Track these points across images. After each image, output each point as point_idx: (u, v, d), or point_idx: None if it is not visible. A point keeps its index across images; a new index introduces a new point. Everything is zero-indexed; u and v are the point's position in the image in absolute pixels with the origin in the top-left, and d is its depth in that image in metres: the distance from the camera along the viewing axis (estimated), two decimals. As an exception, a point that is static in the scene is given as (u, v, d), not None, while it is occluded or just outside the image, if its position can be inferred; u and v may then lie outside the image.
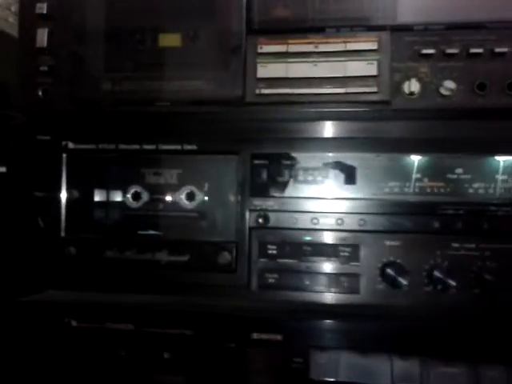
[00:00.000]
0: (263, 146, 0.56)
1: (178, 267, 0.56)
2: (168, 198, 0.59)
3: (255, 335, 0.55)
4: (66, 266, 0.59)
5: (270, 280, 0.56)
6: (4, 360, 0.59)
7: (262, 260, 0.56)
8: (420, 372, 0.53)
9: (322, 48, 0.54)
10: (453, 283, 0.51)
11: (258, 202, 0.56)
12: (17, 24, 0.62)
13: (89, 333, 0.58)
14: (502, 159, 0.53)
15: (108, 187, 0.60)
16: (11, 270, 0.60)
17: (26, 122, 0.61)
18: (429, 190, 0.54)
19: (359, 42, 0.53)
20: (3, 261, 0.64)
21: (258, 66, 0.55)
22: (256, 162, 0.56)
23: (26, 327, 0.59)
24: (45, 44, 0.60)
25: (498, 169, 0.53)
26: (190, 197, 0.59)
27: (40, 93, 0.60)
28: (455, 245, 0.53)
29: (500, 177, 0.53)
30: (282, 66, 0.54)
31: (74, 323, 0.59)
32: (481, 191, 0.53)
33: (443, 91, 0.52)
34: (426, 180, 0.55)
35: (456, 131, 0.54)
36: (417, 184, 0.54)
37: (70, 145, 0.59)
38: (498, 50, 0.51)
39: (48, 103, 0.60)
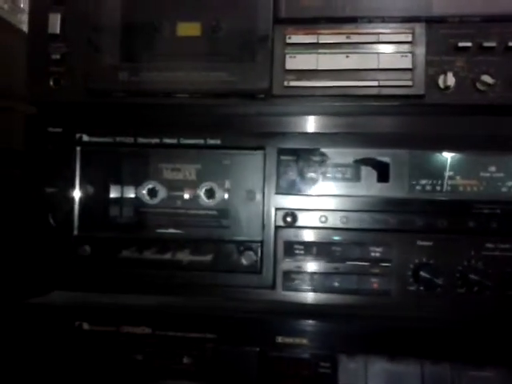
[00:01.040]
0: (291, 140, 0.53)
1: (201, 267, 0.54)
2: (187, 195, 0.57)
3: (280, 339, 0.53)
4: (80, 266, 0.55)
5: (296, 281, 0.53)
6: (12, 365, 0.56)
7: (287, 260, 0.53)
8: (451, 376, 0.51)
9: (355, 39, 0.52)
10: (487, 285, 0.49)
11: (284, 200, 0.53)
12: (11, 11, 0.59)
13: (102, 337, 0.55)
14: (538, 157, 0.52)
15: (124, 183, 0.57)
16: (20, 270, 0.57)
17: (37, 114, 0.58)
18: (461, 189, 0.52)
19: (393, 33, 0.51)
20: (12, 261, 0.60)
21: (287, 57, 0.53)
22: (283, 157, 0.53)
23: (34, 330, 0.56)
24: (57, 30, 0.56)
25: (535, 167, 0.52)
26: (211, 194, 0.56)
27: (51, 82, 0.57)
28: (489, 245, 0.51)
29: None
30: (313, 58, 0.52)
31: (85, 326, 0.56)
32: (515, 190, 0.52)
33: (480, 86, 0.51)
34: (458, 178, 0.53)
35: (491, 128, 0.52)
36: (449, 182, 0.53)
37: (85, 137, 0.56)
38: (537, 43, 0.50)
39: (60, 93, 0.57)
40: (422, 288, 0.51)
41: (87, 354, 0.55)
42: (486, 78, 0.50)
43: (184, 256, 0.54)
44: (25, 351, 0.56)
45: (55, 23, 0.56)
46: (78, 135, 0.56)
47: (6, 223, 0.68)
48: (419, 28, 0.51)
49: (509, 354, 0.49)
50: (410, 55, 0.51)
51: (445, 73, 0.51)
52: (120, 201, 0.57)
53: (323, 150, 0.53)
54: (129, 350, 0.55)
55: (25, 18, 1.11)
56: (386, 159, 0.52)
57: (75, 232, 0.56)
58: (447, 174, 0.53)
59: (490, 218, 0.51)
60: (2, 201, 0.69)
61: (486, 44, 0.50)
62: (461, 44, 0.51)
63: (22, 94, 0.77)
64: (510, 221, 0.51)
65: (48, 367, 0.56)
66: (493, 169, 0.52)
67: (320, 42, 0.52)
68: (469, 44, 0.51)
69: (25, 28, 0.95)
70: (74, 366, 0.55)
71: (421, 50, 0.51)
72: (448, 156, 0.53)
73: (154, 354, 0.55)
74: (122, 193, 0.57)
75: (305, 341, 0.53)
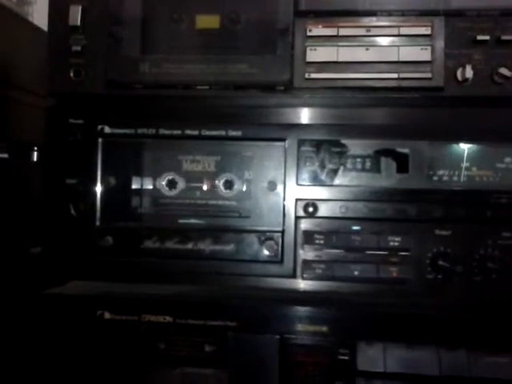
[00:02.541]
0: (311, 132, 0.54)
1: (222, 257, 0.55)
2: (206, 186, 0.57)
3: (300, 326, 0.54)
4: (102, 256, 0.56)
5: (317, 271, 0.54)
6: (34, 354, 0.57)
7: (308, 250, 0.54)
8: (468, 362, 0.52)
9: (374, 32, 0.52)
10: (504, 272, 0.51)
11: (305, 191, 0.54)
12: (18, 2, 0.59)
13: (124, 326, 0.56)
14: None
15: (144, 174, 0.57)
16: (43, 261, 0.57)
17: (57, 105, 0.58)
18: (478, 179, 0.54)
19: (412, 26, 0.52)
20: (33, 252, 0.61)
21: (308, 49, 0.53)
22: (303, 148, 0.54)
23: (57, 320, 0.57)
24: (78, 22, 0.57)
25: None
26: (230, 185, 0.57)
27: (72, 74, 0.57)
28: (506, 234, 0.52)
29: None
30: (333, 50, 0.53)
31: (107, 316, 0.57)
32: (532, 181, 0.53)
33: (497, 79, 0.52)
34: (475, 169, 0.54)
35: (508, 120, 0.53)
36: (466, 173, 0.54)
37: (107, 129, 0.56)
38: (554, 37, 0.51)
39: (80, 85, 0.57)
40: (439, 276, 0.53)
41: (109, 344, 0.56)
42: (504, 71, 0.51)
43: (206, 246, 0.55)
44: (47, 341, 0.57)
45: (76, 15, 0.57)
46: (99, 127, 0.56)
47: (25, 214, 0.69)
48: (438, 21, 0.52)
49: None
50: (429, 48, 0.52)
51: (463, 66, 0.52)
52: (141, 192, 0.57)
53: (343, 141, 0.54)
54: (151, 338, 0.56)
55: (31, 9, 1.11)
56: (405, 150, 0.53)
57: (97, 223, 0.56)
58: (464, 164, 0.54)
59: (506, 208, 0.52)
60: (22, 192, 0.70)
61: (504, 37, 0.51)
62: (479, 37, 0.52)
63: (28, 85, 0.78)
64: (524, 210, 0.52)
65: (70, 357, 0.56)
66: (509, 160, 0.54)
67: (340, 34, 0.53)
68: (487, 37, 0.52)
69: (31, 19, 0.95)
70: (96, 356, 0.56)
71: (440, 43, 0.52)
72: (465, 147, 0.54)
73: (176, 342, 0.56)
74: (142, 184, 0.57)
75: (324, 328, 0.54)
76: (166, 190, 0.57)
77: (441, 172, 0.54)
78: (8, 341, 0.62)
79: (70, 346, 0.56)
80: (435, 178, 0.54)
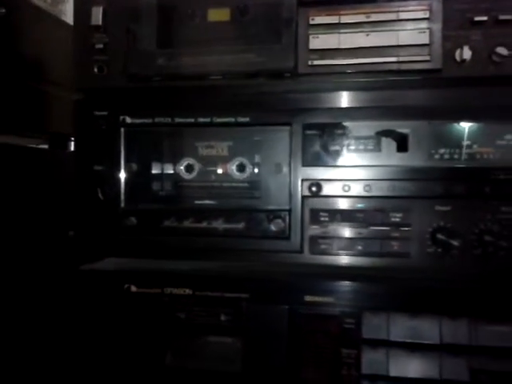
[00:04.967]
0: (315, 116, 0.57)
1: (234, 234, 0.59)
2: (220, 170, 0.62)
3: (308, 298, 0.58)
4: (127, 236, 0.62)
5: (323, 246, 0.58)
6: (71, 324, 0.64)
7: (314, 227, 0.58)
8: (468, 331, 0.55)
9: (374, 18, 0.55)
10: (502, 245, 0.53)
11: (310, 172, 0.58)
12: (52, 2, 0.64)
13: (148, 298, 0.62)
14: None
15: (163, 160, 0.63)
16: (75, 241, 0.64)
17: (84, 99, 0.64)
18: (478, 156, 0.55)
19: (411, 10, 0.54)
20: (67, 232, 0.68)
21: (311, 37, 0.56)
22: (308, 132, 0.58)
23: (88, 293, 0.63)
24: (100, 22, 0.62)
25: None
26: (242, 168, 0.61)
27: (96, 69, 0.63)
28: (504, 209, 0.54)
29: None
30: (335, 37, 0.56)
31: (133, 289, 0.63)
32: (532, 157, 0.54)
33: (495, 58, 0.53)
34: (475, 146, 0.56)
35: (507, 98, 0.54)
36: (466, 151, 0.56)
37: (128, 119, 0.62)
38: (552, 15, 0.52)
39: (104, 79, 0.62)
40: (439, 250, 0.55)
41: (136, 314, 0.62)
42: (501, 50, 0.52)
43: (219, 224, 0.59)
44: (81, 312, 0.63)
45: (98, 15, 0.62)
46: (121, 117, 0.62)
47: (65, 200, 0.76)
48: (436, 4, 0.54)
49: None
50: (427, 31, 0.54)
51: (461, 47, 0.53)
52: (160, 176, 0.62)
53: (345, 123, 0.57)
54: (172, 309, 0.61)
55: (65, 8, 1.18)
56: (405, 130, 0.55)
57: (122, 205, 0.62)
58: (465, 142, 0.56)
59: (505, 184, 0.54)
60: (61, 180, 0.77)
61: (502, 17, 0.53)
62: (477, 18, 0.53)
63: (63, 80, 0.84)
64: (524, 186, 0.54)
65: (101, 326, 0.63)
66: (509, 137, 0.55)
67: (341, 22, 0.56)
68: (484, 18, 0.53)
69: (64, 18, 1.02)
70: (124, 326, 0.62)
71: (438, 26, 0.54)
72: (465, 126, 0.56)
73: (195, 313, 0.61)
74: (161, 169, 0.63)
75: (331, 299, 0.58)
76: (183, 174, 0.62)
77: (442, 150, 0.56)
78: (49, 309, 0.70)
79: (101, 316, 0.63)
80: (436, 157, 0.56)
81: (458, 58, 0.54)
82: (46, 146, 0.89)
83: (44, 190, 0.78)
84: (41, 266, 0.75)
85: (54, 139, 0.89)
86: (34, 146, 0.88)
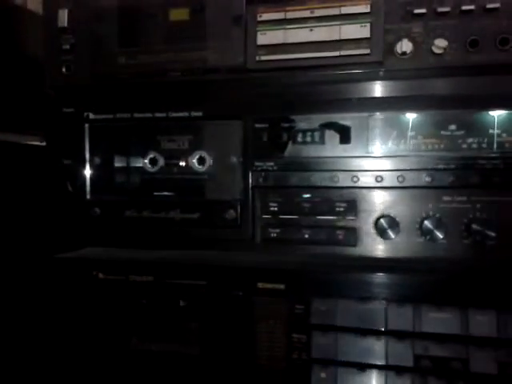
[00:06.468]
0: (265, 110, 0.60)
1: (190, 224, 0.62)
2: (181, 163, 0.65)
3: (260, 285, 0.61)
4: (92, 225, 0.66)
5: (273, 234, 0.60)
6: (44, 307, 0.68)
7: (264, 216, 0.61)
8: (413, 317, 0.56)
9: (318, 13, 0.56)
10: (441, 235, 0.54)
11: (259, 163, 0.60)
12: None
13: (114, 284, 0.66)
14: (494, 114, 0.54)
15: (127, 154, 0.66)
16: (45, 230, 0.68)
17: (54, 96, 0.68)
18: (423, 147, 0.57)
19: (353, 5, 0.56)
20: (38, 222, 0.72)
21: (258, 33, 0.58)
22: (257, 125, 0.60)
23: (59, 280, 0.67)
24: (66, 24, 0.66)
25: (492, 123, 0.55)
26: (201, 160, 0.64)
27: (64, 69, 0.66)
28: (446, 198, 0.55)
29: (494, 131, 0.55)
30: (281, 33, 0.58)
31: (101, 276, 0.66)
32: (474, 146, 0.55)
33: (435, 50, 0.54)
34: (420, 137, 0.57)
35: (449, 88, 0.55)
36: (412, 141, 0.57)
37: (91, 115, 0.65)
38: (489, 5, 0.52)
39: (71, 78, 0.66)
40: (380, 238, 0.57)
41: (103, 300, 0.66)
42: (440, 42, 0.53)
43: (175, 214, 0.62)
44: (52, 297, 0.68)
45: (63, 18, 0.66)
46: (85, 114, 0.65)
47: (30, 193, 0.80)
48: (377, -1, 0.55)
49: (464, 296, 0.54)
50: (368, 25, 0.55)
51: (401, 39, 0.54)
52: (123, 169, 0.66)
53: (292, 117, 0.59)
54: (136, 295, 0.65)
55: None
56: (347, 123, 0.57)
57: (88, 196, 0.66)
58: (409, 133, 0.57)
59: (447, 173, 0.55)
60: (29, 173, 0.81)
61: (441, 9, 0.53)
62: (416, 11, 0.54)
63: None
64: (466, 175, 0.55)
65: (71, 312, 0.67)
66: (453, 127, 0.56)
67: (287, 18, 0.57)
68: (424, 10, 0.54)
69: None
70: (93, 311, 0.66)
71: (379, 20, 0.55)
72: (410, 117, 0.57)
73: (156, 299, 0.64)
74: (124, 162, 0.66)
75: (282, 286, 0.60)
76: (147, 167, 0.65)
77: (385, 141, 0.57)
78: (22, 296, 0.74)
79: (72, 301, 0.67)
80: (370, 149, 0.57)
81: (398, 50, 0.55)
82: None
83: (19, 183, 0.82)
84: (15, 254, 0.79)
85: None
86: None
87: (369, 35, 0.55)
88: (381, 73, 0.56)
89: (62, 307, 0.67)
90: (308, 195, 0.59)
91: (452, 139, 0.56)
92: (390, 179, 0.56)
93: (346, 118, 0.57)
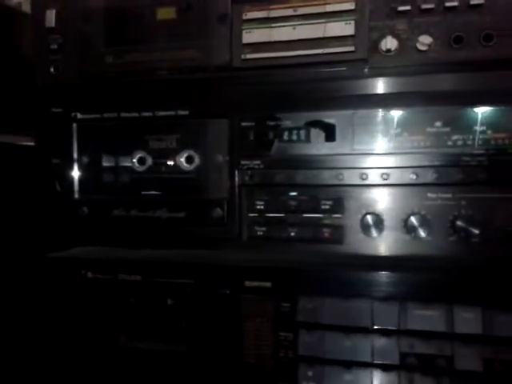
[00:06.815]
0: (250, 108, 0.60)
1: (177, 223, 0.62)
2: (169, 162, 0.65)
3: (247, 283, 0.61)
4: (80, 225, 0.66)
5: (259, 232, 0.60)
6: (34, 305, 0.68)
7: (251, 214, 0.61)
8: (398, 314, 0.56)
9: (302, 11, 0.56)
10: (426, 232, 0.54)
11: (245, 162, 0.60)
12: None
13: (103, 283, 0.66)
14: (479, 111, 0.54)
15: (115, 153, 0.66)
16: (35, 230, 0.68)
17: (43, 97, 0.68)
18: (408, 144, 0.56)
19: (337, 3, 0.56)
20: (27, 222, 0.72)
21: (244, 32, 0.59)
22: (243, 124, 0.60)
23: (49, 278, 0.67)
24: (53, 24, 0.66)
25: (477, 120, 0.55)
26: (189, 159, 0.64)
27: (52, 69, 0.67)
28: (431, 195, 0.55)
29: (479, 128, 0.55)
30: (266, 31, 0.58)
31: (89, 275, 0.67)
32: (459, 143, 0.55)
33: (420, 46, 0.54)
34: (405, 134, 0.57)
35: (433, 85, 0.55)
36: (396, 138, 0.57)
37: (79, 115, 0.65)
38: (473, 2, 0.52)
39: (59, 78, 0.66)
40: (367, 235, 0.57)
41: (92, 298, 0.66)
42: (424, 38, 0.53)
43: (162, 213, 0.63)
44: (43, 295, 0.68)
45: (51, 18, 0.66)
46: (73, 113, 0.65)
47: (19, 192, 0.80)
48: (362, -4, 0.55)
49: (449, 293, 0.54)
50: (353, 22, 0.55)
51: (385, 37, 0.54)
52: (110, 168, 0.66)
53: (278, 115, 0.59)
54: (124, 293, 0.65)
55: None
56: (332, 120, 0.57)
57: (76, 196, 0.66)
58: (395, 131, 0.57)
59: (431, 170, 0.55)
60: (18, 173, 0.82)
61: (425, 6, 0.53)
62: (400, 8, 0.54)
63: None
64: (450, 172, 0.55)
65: (61, 310, 0.67)
66: (439, 124, 0.56)
67: (271, 16, 0.57)
68: (408, 7, 0.54)
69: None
70: (82, 309, 0.66)
71: (363, 17, 0.55)
72: (395, 114, 0.57)
73: (144, 297, 0.64)
74: (113, 161, 0.66)
75: (268, 284, 0.60)
76: (135, 166, 0.65)
77: (368, 139, 0.57)
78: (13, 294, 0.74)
79: (61, 300, 0.67)
80: (355, 147, 0.57)
81: (383, 47, 0.55)
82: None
83: (11, 183, 0.83)
84: (5, 253, 0.79)
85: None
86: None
87: (353, 33, 0.55)
88: (366, 70, 0.56)
89: (52, 306, 0.67)
90: (294, 193, 0.59)
91: (437, 136, 0.56)
92: (374, 177, 0.56)
93: (331, 116, 0.57)
